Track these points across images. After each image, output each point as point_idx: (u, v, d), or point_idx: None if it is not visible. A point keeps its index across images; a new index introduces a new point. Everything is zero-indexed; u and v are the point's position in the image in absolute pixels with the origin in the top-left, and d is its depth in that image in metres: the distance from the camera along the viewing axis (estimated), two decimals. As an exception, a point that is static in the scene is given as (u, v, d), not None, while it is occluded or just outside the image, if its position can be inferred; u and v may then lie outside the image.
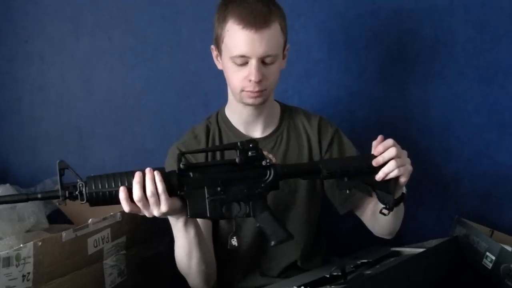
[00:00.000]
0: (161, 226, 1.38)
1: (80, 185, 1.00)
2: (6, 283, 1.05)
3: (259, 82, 1.20)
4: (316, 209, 1.39)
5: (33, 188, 1.73)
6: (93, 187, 1.00)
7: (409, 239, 1.58)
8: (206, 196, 1.05)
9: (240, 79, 1.21)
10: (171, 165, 1.20)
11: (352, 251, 1.67)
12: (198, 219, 1.17)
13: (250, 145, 1.08)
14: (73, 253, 1.22)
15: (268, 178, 1.10)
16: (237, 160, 1.07)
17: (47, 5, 1.79)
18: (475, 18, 1.64)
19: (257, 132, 1.34)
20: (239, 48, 1.18)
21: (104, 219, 1.32)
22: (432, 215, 1.72)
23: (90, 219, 1.28)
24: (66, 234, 1.21)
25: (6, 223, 1.41)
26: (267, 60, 1.20)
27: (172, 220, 1.14)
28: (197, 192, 1.04)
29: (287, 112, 1.38)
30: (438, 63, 1.67)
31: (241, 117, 1.32)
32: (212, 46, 1.28)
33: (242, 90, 1.23)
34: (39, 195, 1.00)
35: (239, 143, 1.08)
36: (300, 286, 1.12)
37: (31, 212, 1.50)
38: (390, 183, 1.11)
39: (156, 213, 1.03)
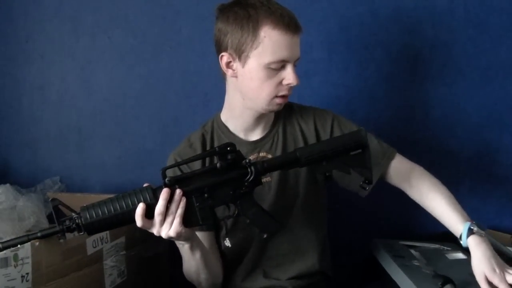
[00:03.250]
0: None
1: (76, 217, 1.03)
2: (5, 284, 1.05)
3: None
4: (321, 207, 1.38)
5: (33, 188, 1.73)
6: (88, 218, 1.03)
7: (408, 239, 1.59)
8: (195, 204, 1.09)
9: (274, 85, 1.20)
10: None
11: (352, 249, 1.68)
12: (199, 234, 1.22)
13: (228, 148, 1.10)
14: (72, 254, 1.22)
15: (250, 176, 1.12)
16: (218, 165, 1.09)
17: (47, 5, 1.79)
18: (475, 18, 1.64)
19: (256, 135, 1.32)
20: (280, 53, 1.16)
21: (104, 219, 1.31)
22: (432, 215, 1.72)
23: (90, 220, 1.28)
24: (64, 235, 1.21)
25: (6, 223, 1.41)
26: (296, 62, 1.21)
27: (178, 244, 1.17)
28: (187, 203, 1.07)
29: (282, 110, 1.34)
30: (438, 63, 1.67)
31: (244, 123, 1.30)
32: (224, 54, 1.20)
33: (276, 96, 1.21)
34: (39, 234, 1.05)
35: (217, 148, 1.10)
36: None
37: (31, 212, 1.50)
38: (365, 158, 1.15)
39: (165, 231, 1.05)
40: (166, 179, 1.06)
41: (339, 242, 1.55)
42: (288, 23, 1.16)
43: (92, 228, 1.04)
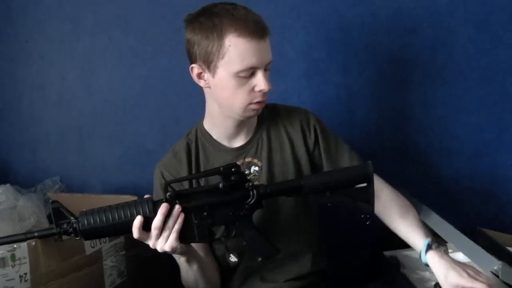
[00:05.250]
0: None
1: (74, 222, 1.04)
2: (3, 284, 1.06)
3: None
4: (312, 206, 1.37)
5: (33, 188, 1.73)
6: (86, 224, 1.04)
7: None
8: (194, 221, 1.09)
9: (247, 93, 1.17)
10: (157, 187, 1.26)
11: (352, 249, 1.68)
12: (194, 243, 1.21)
13: (232, 169, 1.10)
14: (71, 254, 1.22)
15: (251, 199, 1.12)
16: (220, 185, 1.10)
17: (47, 5, 1.78)
18: (475, 18, 1.64)
19: (239, 142, 1.31)
20: (248, 60, 1.13)
21: (102, 219, 1.31)
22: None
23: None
24: (60, 234, 1.21)
25: (7, 223, 1.41)
26: (268, 66, 1.19)
27: (174, 256, 1.16)
28: (185, 219, 1.08)
29: (265, 113, 1.33)
30: (438, 63, 1.68)
31: (226, 130, 1.28)
32: (194, 65, 1.19)
33: (250, 103, 1.19)
34: (36, 234, 1.05)
35: (221, 168, 1.10)
36: None
37: (32, 212, 1.50)
38: (369, 193, 1.15)
39: (160, 245, 1.06)
40: (167, 194, 1.07)
41: (339, 242, 1.55)
42: (253, 29, 1.13)
43: (88, 234, 1.05)
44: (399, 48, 1.68)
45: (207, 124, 1.32)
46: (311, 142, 1.33)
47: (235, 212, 1.12)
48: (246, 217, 1.13)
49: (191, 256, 1.16)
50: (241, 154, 1.30)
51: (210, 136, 1.31)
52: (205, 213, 1.09)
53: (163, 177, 1.27)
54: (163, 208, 1.05)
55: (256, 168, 1.29)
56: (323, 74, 1.71)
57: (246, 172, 1.29)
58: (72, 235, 1.04)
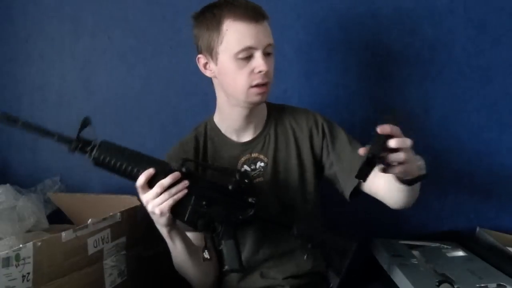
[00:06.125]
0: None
1: (94, 145, 1.09)
2: (5, 284, 1.05)
3: (266, 73, 1.21)
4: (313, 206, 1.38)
5: (33, 188, 1.73)
6: (103, 151, 1.09)
7: (409, 239, 1.59)
8: (191, 203, 1.14)
9: (246, 75, 1.21)
10: None
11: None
12: (191, 234, 1.26)
13: (246, 180, 1.17)
14: (73, 254, 1.22)
15: (247, 213, 1.18)
16: (230, 186, 1.16)
17: (47, 5, 1.79)
18: (475, 18, 1.64)
19: (247, 136, 1.34)
20: (244, 40, 1.19)
21: (104, 219, 1.32)
22: (432, 215, 1.72)
23: (90, 219, 1.28)
24: (66, 235, 1.20)
25: (6, 223, 1.41)
26: (269, 49, 1.23)
27: (157, 226, 1.19)
28: (185, 197, 1.12)
29: (273, 111, 1.38)
30: (438, 63, 1.67)
31: (234, 124, 1.32)
32: (200, 56, 1.27)
33: (251, 86, 1.22)
34: (56, 137, 1.08)
35: (237, 174, 1.17)
36: None
37: (31, 212, 1.50)
38: (341, 264, 1.21)
39: (153, 204, 1.10)
40: (184, 168, 1.12)
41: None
42: (251, 13, 1.20)
43: (100, 162, 1.10)
44: (399, 48, 1.68)
45: (217, 118, 1.36)
46: (318, 141, 1.35)
47: (228, 216, 1.17)
48: (233, 225, 1.18)
49: (173, 231, 1.18)
50: (247, 149, 1.34)
51: (219, 130, 1.35)
52: (204, 202, 1.14)
53: None
54: (175, 175, 1.11)
55: (262, 164, 1.33)
56: (323, 74, 1.71)
57: (252, 167, 1.33)
58: (85, 154, 1.09)
